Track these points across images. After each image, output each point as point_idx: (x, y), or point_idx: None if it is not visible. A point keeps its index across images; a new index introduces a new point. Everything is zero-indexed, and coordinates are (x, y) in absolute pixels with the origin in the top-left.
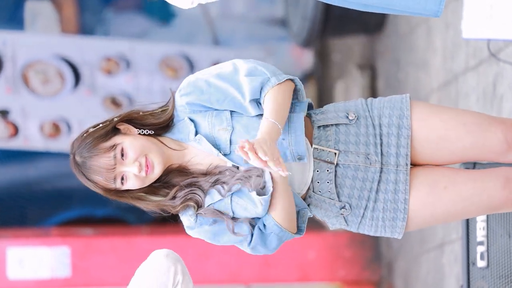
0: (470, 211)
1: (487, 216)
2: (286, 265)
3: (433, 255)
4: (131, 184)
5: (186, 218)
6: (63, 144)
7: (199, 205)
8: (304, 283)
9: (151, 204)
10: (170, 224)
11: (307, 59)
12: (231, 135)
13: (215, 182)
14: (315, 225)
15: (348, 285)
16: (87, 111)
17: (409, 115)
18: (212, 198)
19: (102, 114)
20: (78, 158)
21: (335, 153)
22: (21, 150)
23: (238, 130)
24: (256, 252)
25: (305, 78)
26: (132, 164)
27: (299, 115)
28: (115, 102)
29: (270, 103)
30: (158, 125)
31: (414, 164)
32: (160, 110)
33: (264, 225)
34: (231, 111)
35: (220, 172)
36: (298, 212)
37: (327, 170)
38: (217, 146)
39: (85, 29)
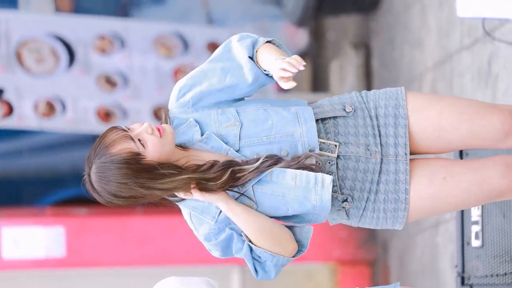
0: (470, 202)
1: None
2: None
3: (428, 235)
4: (151, 146)
5: (200, 221)
6: (57, 123)
7: (237, 179)
8: (299, 263)
9: (186, 174)
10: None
11: (301, 38)
12: (240, 130)
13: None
14: None
15: (343, 264)
16: (81, 90)
17: (405, 105)
18: (233, 195)
19: (97, 93)
20: (93, 168)
21: (336, 145)
22: (16, 129)
23: (247, 125)
24: (264, 278)
25: (300, 56)
26: (141, 127)
27: (307, 108)
28: (109, 81)
29: (264, 52)
30: None
31: (413, 154)
32: None
33: (258, 255)
34: (236, 109)
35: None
36: (302, 228)
37: (329, 162)
38: (225, 144)
39: (79, 8)
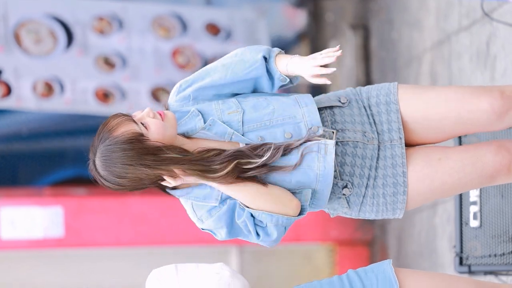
0: (466, 183)
1: None
2: None
3: (426, 215)
4: (154, 128)
5: (199, 206)
6: (56, 104)
7: (244, 171)
8: (297, 243)
9: (192, 157)
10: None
11: (300, 19)
12: (243, 116)
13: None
14: None
15: (341, 245)
16: (79, 71)
17: (396, 92)
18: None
19: (95, 74)
20: (98, 154)
21: (333, 132)
22: (14, 110)
23: (249, 111)
24: (265, 241)
25: (298, 38)
26: (142, 112)
27: (306, 94)
28: (107, 62)
29: (284, 56)
30: None
31: (411, 144)
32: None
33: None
34: (237, 99)
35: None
36: (301, 192)
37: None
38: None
39: None
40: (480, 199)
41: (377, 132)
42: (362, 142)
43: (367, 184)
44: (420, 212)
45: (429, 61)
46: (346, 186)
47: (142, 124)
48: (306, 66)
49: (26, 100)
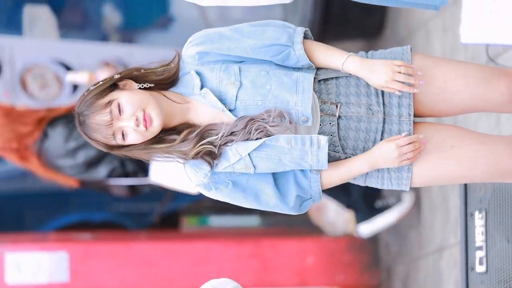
0: (475, 173)
1: (486, 221)
2: (285, 270)
3: (432, 260)
4: (132, 138)
5: (194, 173)
6: None
7: (213, 157)
8: None
9: (159, 150)
10: (168, 229)
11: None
12: (238, 91)
13: (229, 141)
14: (313, 230)
15: None
16: None
17: (410, 62)
18: (229, 159)
19: None
20: (80, 118)
21: (337, 106)
22: None
23: (246, 86)
24: (296, 211)
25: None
26: (129, 119)
27: (309, 75)
28: None
29: (323, 47)
30: (160, 81)
31: (418, 116)
32: (163, 68)
33: (303, 188)
34: (240, 67)
35: (232, 133)
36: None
37: (330, 123)
38: (222, 101)
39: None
40: (486, 244)
41: (384, 104)
42: (366, 116)
43: None
44: (426, 257)
45: None
46: None
47: (122, 132)
48: (382, 76)
49: None
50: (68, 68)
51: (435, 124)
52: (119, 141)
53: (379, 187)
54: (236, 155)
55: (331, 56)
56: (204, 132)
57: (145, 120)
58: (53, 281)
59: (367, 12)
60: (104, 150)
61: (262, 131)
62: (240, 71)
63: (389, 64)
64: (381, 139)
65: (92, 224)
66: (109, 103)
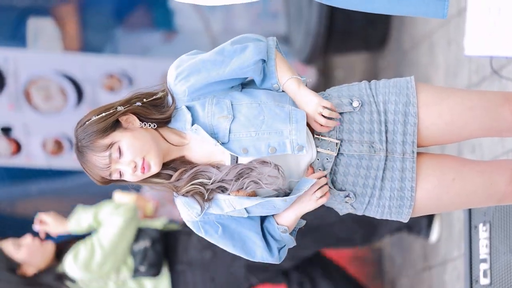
0: (474, 203)
1: (490, 233)
2: None
3: (436, 272)
4: (129, 179)
5: (186, 210)
6: (65, 161)
7: (204, 199)
8: None
9: (154, 184)
10: None
11: (309, 75)
12: (231, 124)
13: (220, 187)
14: None
15: None
16: None
17: (416, 103)
18: (222, 209)
19: None
20: (79, 144)
21: (336, 143)
22: (24, 167)
23: (239, 118)
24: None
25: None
26: (128, 164)
27: (300, 110)
28: None
29: (284, 63)
30: (162, 119)
31: (420, 146)
32: (160, 99)
33: (275, 238)
34: (231, 101)
35: (223, 180)
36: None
37: (326, 159)
38: (215, 135)
39: (87, 46)
40: (490, 257)
41: (387, 141)
42: (368, 154)
43: (371, 193)
44: (430, 270)
45: None
46: (348, 196)
47: (120, 172)
48: (310, 109)
49: (35, 157)
50: (72, 80)
51: (436, 157)
52: (115, 178)
53: (378, 217)
54: (229, 206)
55: (280, 71)
56: (197, 174)
57: (143, 167)
58: None
59: (371, 25)
60: (98, 184)
61: (256, 184)
62: (232, 105)
63: (318, 105)
64: (383, 176)
65: None
66: (110, 146)
